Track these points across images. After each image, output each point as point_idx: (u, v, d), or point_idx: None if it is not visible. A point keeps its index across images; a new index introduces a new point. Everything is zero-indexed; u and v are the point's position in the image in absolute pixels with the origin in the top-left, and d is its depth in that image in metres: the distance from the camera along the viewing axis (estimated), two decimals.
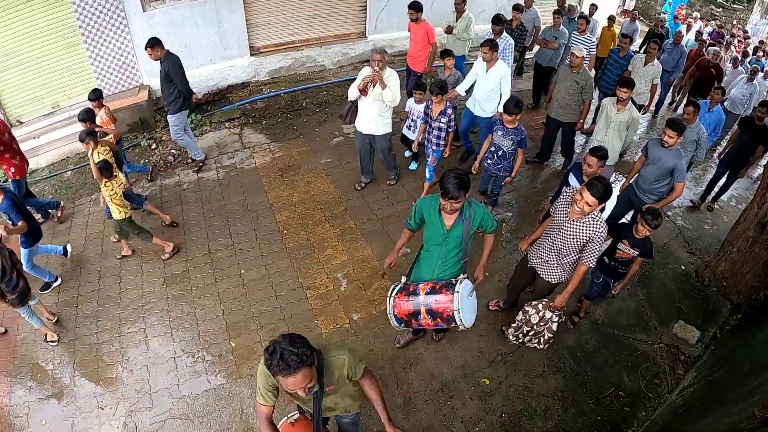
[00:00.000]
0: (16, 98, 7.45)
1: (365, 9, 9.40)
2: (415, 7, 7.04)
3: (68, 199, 6.65)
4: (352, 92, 5.59)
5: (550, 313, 4.17)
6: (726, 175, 6.86)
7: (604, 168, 4.71)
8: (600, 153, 4.50)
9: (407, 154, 7.11)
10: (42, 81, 7.43)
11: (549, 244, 3.93)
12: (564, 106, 6.55)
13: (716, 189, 7.02)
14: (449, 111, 5.68)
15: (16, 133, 7.49)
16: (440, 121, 5.71)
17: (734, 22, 16.41)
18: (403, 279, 3.75)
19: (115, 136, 6.01)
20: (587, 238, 3.65)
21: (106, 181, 5.03)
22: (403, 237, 3.92)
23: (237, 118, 8.22)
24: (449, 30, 7.74)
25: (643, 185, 5.26)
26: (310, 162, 7.18)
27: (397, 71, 5.75)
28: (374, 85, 5.46)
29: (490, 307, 4.93)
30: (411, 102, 6.36)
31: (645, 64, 7.34)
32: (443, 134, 5.79)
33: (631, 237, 4.30)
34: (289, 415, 3.04)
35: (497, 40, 6.64)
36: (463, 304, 3.39)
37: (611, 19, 9.53)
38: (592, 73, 8.98)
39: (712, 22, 15.08)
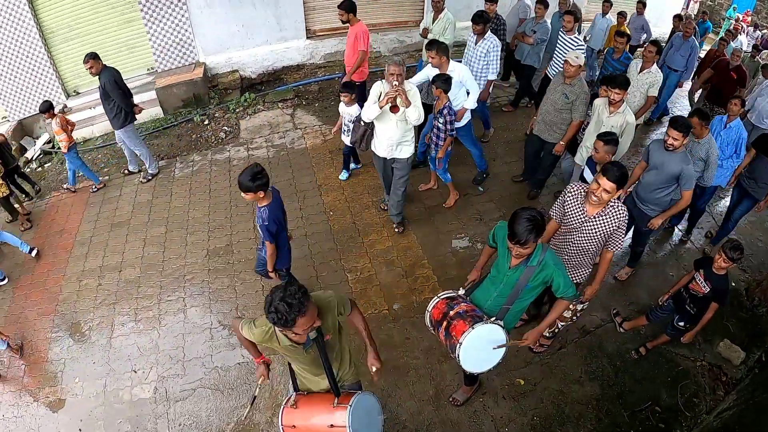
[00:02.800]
0: (74, 69, 7.73)
1: None
2: (344, 7, 6.09)
3: (119, 169, 6.88)
4: (370, 113, 4.74)
5: (581, 305, 4.06)
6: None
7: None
8: (607, 137, 4.20)
9: (354, 166, 6.59)
10: (100, 54, 7.60)
11: (574, 250, 3.75)
12: (549, 123, 5.47)
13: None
14: (445, 111, 5.06)
15: (73, 103, 7.78)
16: (438, 120, 5.17)
17: None
18: (462, 291, 3.52)
19: (68, 142, 6.10)
20: (614, 228, 3.52)
21: None
22: (485, 253, 3.61)
23: (290, 99, 8.32)
24: (424, 33, 6.88)
25: (643, 194, 4.67)
26: None
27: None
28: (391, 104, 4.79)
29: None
30: (341, 106, 5.69)
31: (640, 71, 6.11)
32: (442, 134, 5.26)
33: (708, 269, 3.98)
34: (284, 401, 2.91)
35: (480, 42, 5.93)
36: (471, 343, 3.06)
37: (621, 15, 8.59)
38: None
39: (763, 31, 14.18)
